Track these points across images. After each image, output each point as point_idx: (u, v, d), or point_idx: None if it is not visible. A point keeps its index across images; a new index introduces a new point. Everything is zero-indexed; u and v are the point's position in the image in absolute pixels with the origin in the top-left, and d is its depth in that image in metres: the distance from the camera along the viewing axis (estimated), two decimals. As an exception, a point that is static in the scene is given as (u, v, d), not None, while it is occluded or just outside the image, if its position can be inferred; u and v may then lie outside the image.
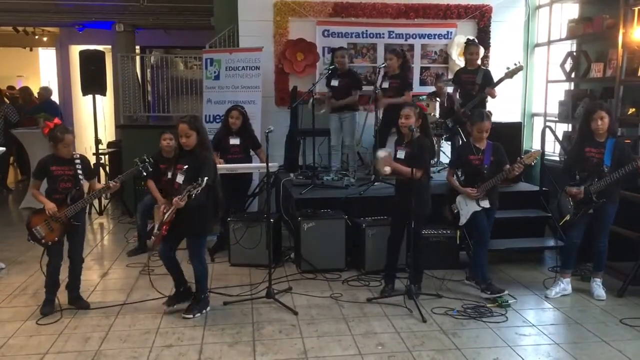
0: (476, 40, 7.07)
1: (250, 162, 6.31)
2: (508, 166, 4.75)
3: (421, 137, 4.65)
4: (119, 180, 4.60)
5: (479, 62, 6.57)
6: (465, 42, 6.93)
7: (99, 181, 7.77)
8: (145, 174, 4.66)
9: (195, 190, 4.11)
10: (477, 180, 4.85)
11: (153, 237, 4.54)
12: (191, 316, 4.43)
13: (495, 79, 6.27)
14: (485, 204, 4.82)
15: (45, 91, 10.61)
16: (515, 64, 6.05)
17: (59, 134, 4.41)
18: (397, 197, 4.91)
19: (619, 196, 4.77)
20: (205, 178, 4.13)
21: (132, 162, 4.70)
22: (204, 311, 4.52)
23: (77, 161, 4.52)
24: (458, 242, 5.37)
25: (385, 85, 6.65)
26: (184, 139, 4.30)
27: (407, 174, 4.59)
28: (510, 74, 6.08)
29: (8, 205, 9.31)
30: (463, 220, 4.91)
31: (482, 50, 6.52)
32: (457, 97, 6.54)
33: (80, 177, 4.51)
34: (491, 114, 5.28)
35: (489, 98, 6.34)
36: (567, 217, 4.78)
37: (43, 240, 4.45)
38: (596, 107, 4.66)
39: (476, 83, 6.29)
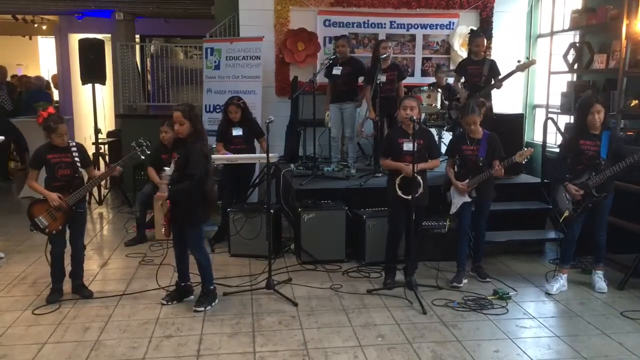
0: (480, 32, 6.95)
1: (254, 152, 6.27)
2: (498, 162, 4.78)
3: (424, 128, 4.67)
4: (120, 165, 4.67)
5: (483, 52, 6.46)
6: (469, 33, 6.83)
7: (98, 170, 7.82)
8: (143, 157, 4.66)
9: (166, 180, 4.21)
10: (473, 171, 4.87)
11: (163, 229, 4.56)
12: (202, 309, 4.39)
13: (502, 71, 6.20)
14: (472, 194, 4.89)
15: (38, 80, 10.56)
16: (527, 58, 5.98)
17: (52, 123, 4.40)
18: (399, 190, 4.75)
19: (613, 187, 4.76)
20: (166, 169, 4.22)
21: (130, 146, 4.77)
22: (213, 304, 4.49)
23: (74, 149, 4.51)
24: (447, 230, 5.38)
25: (382, 78, 6.56)
26: (177, 127, 4.33)
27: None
28: (521, 68, 6.03)
29: (8, 194, 9.28)
30: (453, 209, 5.00)
31: (486, 42, 6.40)
32: (460, 87, 6.47)
33: (78, 164, 4.49)
34: (483, 104, 5.26)
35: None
36: (567, 213, 4.76)
37: (47, 230, 4.45)
38: (593, 101, 4.64)
39: (483, 74, 6.21)
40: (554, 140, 7.00)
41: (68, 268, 4.73)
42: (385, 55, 6.48)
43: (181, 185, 4.22)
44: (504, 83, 6.16)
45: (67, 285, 4.72)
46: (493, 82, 6.12)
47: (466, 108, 4.97)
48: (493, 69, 6.22)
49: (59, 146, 4.45)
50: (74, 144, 4.56)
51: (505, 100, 6.85)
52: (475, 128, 4.89)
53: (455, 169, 5.03)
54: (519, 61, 6.04)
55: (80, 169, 4.52)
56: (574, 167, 4.74)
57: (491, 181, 4.94)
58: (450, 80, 7.07)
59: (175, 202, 4.30)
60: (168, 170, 4.23)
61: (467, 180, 4.88)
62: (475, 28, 7.64)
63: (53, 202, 4.35)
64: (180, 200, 4.28)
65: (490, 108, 6.25)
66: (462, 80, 6.46)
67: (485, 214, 5.04)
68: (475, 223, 5.04)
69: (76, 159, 4.49)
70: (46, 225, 4.44)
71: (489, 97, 6.18)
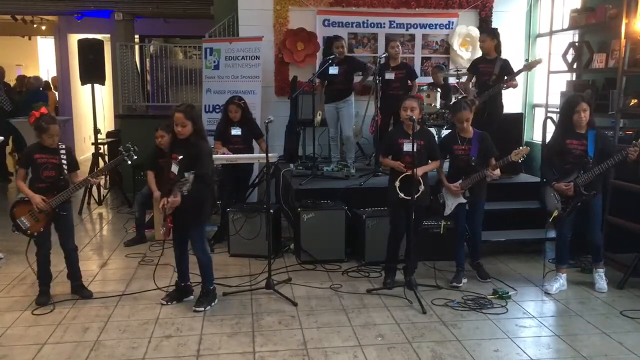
0: (496, 30, 6.87)
1: (252, 152, 6.27)
2: (493, 161, 4.80)
3: (425, 129, 4.67)
4: (97, 175, 4.73)
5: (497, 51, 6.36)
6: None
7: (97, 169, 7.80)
8: (130, 162, 4.64)
9: (185, 188, 4.09)
10: (465, 171, 4.87)
11: (162, 230, 4.52)
12: (202, 309, 4.38)
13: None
14: (466, 194, 4.89)
15: (36, 80, 10.56)
16: (534, 57, 5.97)
17: (44, 124, 4.39)
18: (401, 191, 4.70)
19: (602, 186, 4.77)
20: (192, 173, 4.11)
21: (117, 151, 4.78)
22: (213, 304, 4.49)
23: (62, 151, 4.49)
24: (442, 232, 5.36)
25: (390, 76, 6.56)
26: (179, 128, 4.27)
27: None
28: (528, 67, 6.01)
29: (6, 195, 9.28)
30: (447, 211, 4.99)
31: (490, 39, 6.35)
32: (471, 86, 6.45)
33: (65, 167, 4.48)
34: (474, 103, 5.26)
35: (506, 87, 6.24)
36: (556, 213, 4.76)
37: (29, 232, 4.44)
38: (578, 100, 4.65)
39: (494, 73, 6.17)
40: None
41: (65, 271, 4.73)
42: (385, 54, 6.49)
43: (188, 185, 4.11)
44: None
45: (66, 286, 4.73)
46: (505, 79, 6.10)
47: (457, 106, 4.97)
48: (505, 68, 6.17)
49: (48, 147, 4.44)
50: (63, 146, 4.53)
51: (505, 100, 6.81)
52: (467, 126, 4.88)
53: (447, 169, 5.03)
54: (526, 60, 6.04)
55: (65, 172, 4.49)
56: (561, 167, 4.74)
57: (484, 181, 4.94)
58: (451, 80, 7.07)
59: (184, 202, 4.22)
60: (187, 174, 4.12)
61: (459, 182, 4.88)
62: (477, 27, 7.63)
63: (37, 205, 4.34)
64: (192, 199, 4.20)
65: (501, 107, 6.25)
66: (474, 80, 6.46)
67: (480, 213, 5.02)
68: (471, 223, 5.03)
69: (63, 161, 4.47)
70: (28, 227, 4.42)
71: (498, 96, 6.17)
